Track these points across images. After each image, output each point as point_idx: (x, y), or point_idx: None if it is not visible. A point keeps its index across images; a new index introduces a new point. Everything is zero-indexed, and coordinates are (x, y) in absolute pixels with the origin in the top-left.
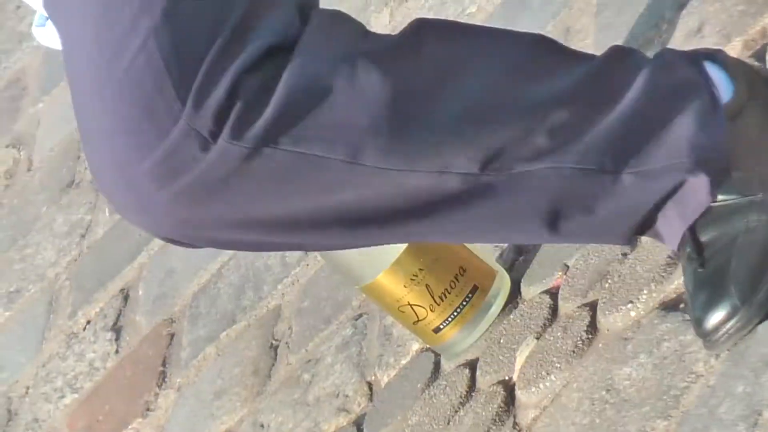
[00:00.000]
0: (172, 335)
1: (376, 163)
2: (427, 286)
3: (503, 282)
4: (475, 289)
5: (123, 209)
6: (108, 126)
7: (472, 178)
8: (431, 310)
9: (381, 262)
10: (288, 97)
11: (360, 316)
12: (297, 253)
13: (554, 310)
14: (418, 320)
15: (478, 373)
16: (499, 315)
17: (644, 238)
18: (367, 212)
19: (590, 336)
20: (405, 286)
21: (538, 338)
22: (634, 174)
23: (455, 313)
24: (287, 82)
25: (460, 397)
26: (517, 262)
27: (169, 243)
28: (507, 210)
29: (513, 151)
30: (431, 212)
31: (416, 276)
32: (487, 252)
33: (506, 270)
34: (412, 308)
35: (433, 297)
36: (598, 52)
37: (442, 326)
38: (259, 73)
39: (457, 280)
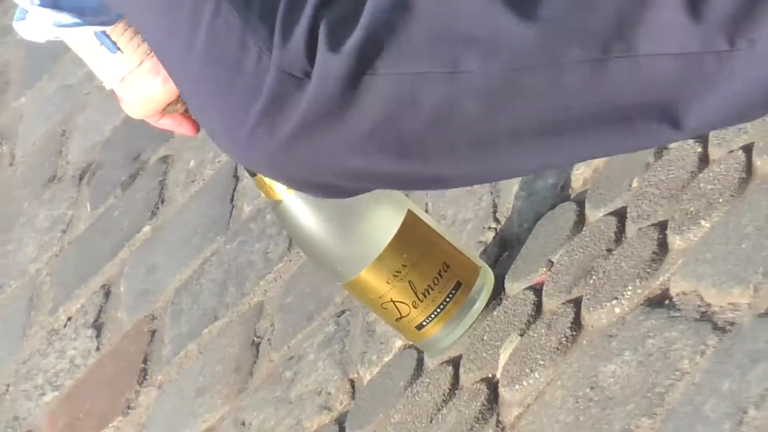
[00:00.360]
0: (154, 332)
1: (479, 67)
2: (410, 282)
3: (487, 278)
4: (458, 285)
5: (255, 168)
6: (206, 97)
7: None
8: (414, 307)
9: (364, 258)
10: (374, 20)
11: (343, 312)
12: (280, 249)
13: (538, 307)
14: (401, 317)
15: (461, 370)
16: (482, 311)
17: (629, 233)
18: (491, 129)
19: (574, 333)
20: (388, 283)
21: (521, 335)
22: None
23: (438, 310)
24: (369, 5)
25: (443, 394)
26: (501, 257)
27: (309, 192)
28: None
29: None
30: (562, 115)
31: (399, 272)
32: (471, 248)
33: (490, 266)
34: (395, 305)
35: (416, 293)
36: None
37: (425, 323)
38: (336, 4)
39: (440, 276)
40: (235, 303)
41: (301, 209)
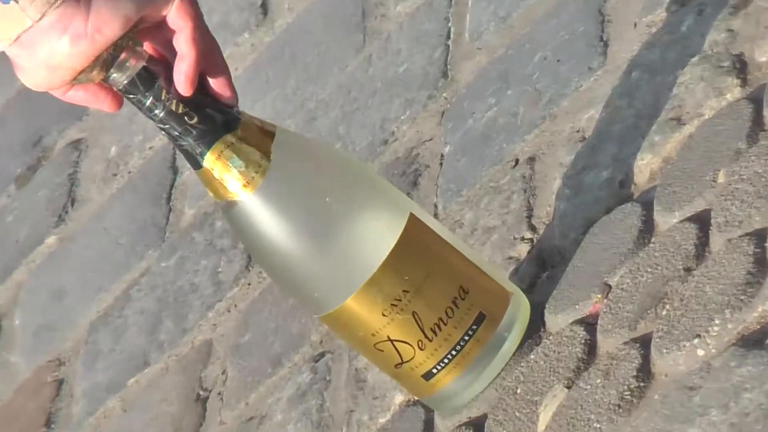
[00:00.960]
0: (61, 382)
1: None
2: (414, 314)
3: (520, 308)
4: (481, 318)
5: None
6: None
7: None
8: (420, 348)
9: (351, 281)
10: None
11: (322, 355)
12: (234, 270)
13: (591, 348)
14: (403, 362)
15: None
16: (514, 354)
17: (714, 245)
18: None
19: (642, 384)
20: (384, 315)
21: (569, 387)
22: None
23: (454, 352)
24: None
25: None
26: (540, 279)
27: None
28: None
29: None
30: None
31: (399, 300)
32: (498, 266)
33: (524, 291)
34: (394, 345)
35: (422, 329)
36: None
37: (435, 370)
38: None
39: (455, 305)
40: (173, 343)
41: (265, 213)
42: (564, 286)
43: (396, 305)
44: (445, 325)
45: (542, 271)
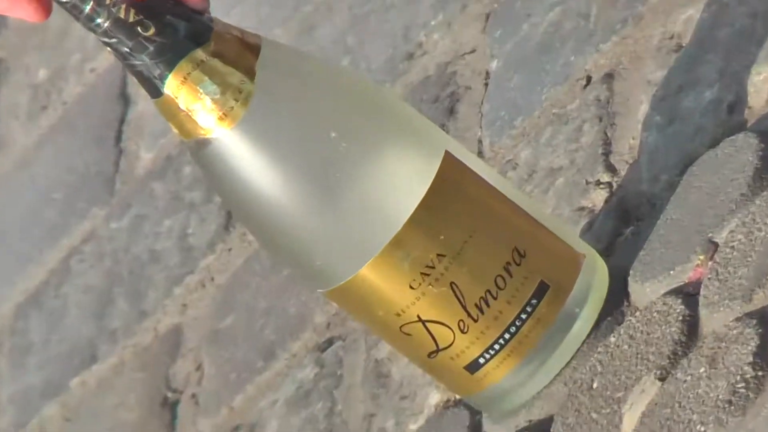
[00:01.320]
0: None
1: None
2: (452, 285)
3: (596, 275)
4: (543, 289)
5: None
6: None
7: None
8: (462, 331)
9: (365, 243)
10: None
11: (330, 343)
12: (208, 231)
13: (692, 326)
14: (439, 349)
15: None
16: (589, 337)
17: None
18: None
19: (760, 373)
20: (412, 287)
21: (662, 379)
22: None
23: (507, 336)
24: None
25: None
26: (622, 237)
27: None
28: None
29: None
30: None
31: (433, 267)
32: (565, 222)
33: (600, 253)
34: (427, 328)
35: (464, 306)
36: None
37: (483, 360)
38: None
39: (508, 273)
40: (128, 330)
41: (249, 154)
42: (654, 245)
43: (428, 274)
44: (495, 299)
45: (625, 226)
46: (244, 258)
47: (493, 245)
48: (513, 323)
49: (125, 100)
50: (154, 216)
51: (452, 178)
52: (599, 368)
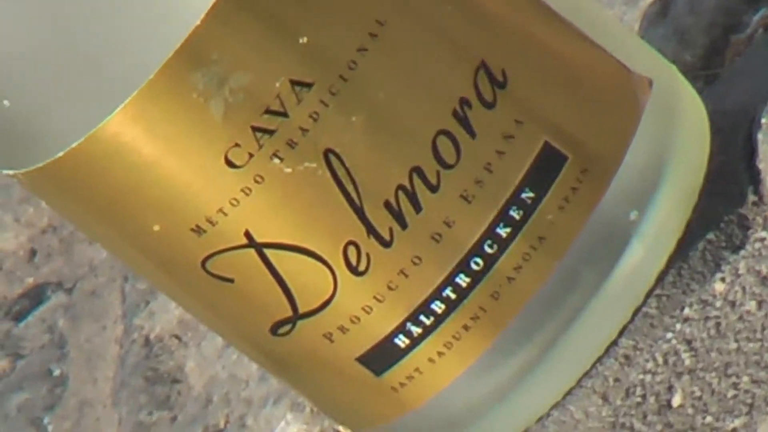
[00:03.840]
0: None
1: None
2: (331, 157)
3: (678, 123)
4: (553, 159)
5: None
6: None
7: None
8: (353, 271)
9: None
10: None
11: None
12: None
13: None
14: (298, 316)
15: None
16: (660, 282)
17: None
18: None
19: None
20: (230, 162)
21: None
22: None
23: (467, 280)
24: None
25: None
26: (734, 42)
27: None
28: None
29: None
30: None
31: (283, 113)
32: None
33: (691, 78)
34: (267, 262)
35: (360, 211)
36: None
37: (402, 339)
38: None
39: (467, 124)
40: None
41: None
42: None
43: (272, 131)
44: (434, 192)
45: (748, 6)
46: None
47: (434, 56)
48: (477, 252)
49: None
50: None
51: None
52: (689, 362)
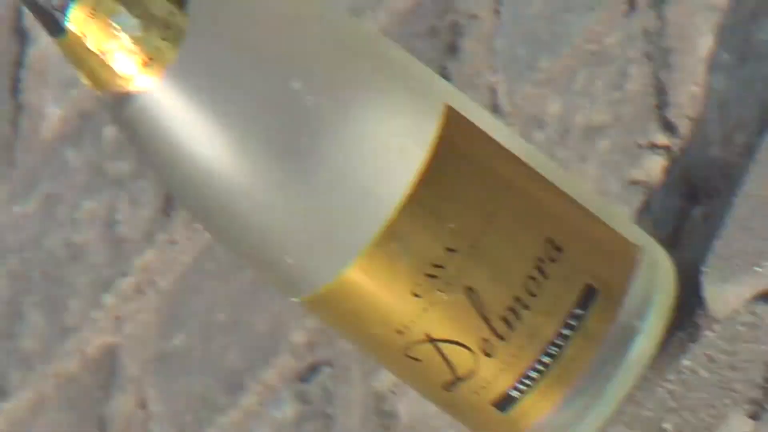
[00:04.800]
0: None
1: None
2: (469, 292)
3: (658, 273)
4: (590, 294)
5: None
6: None
7: None
8: (486, 354)
9: (347, 234)
10: None
11: (314, 370)
12: (142, 217)
13: None
14: (457, 379)
15: None
16: (654, 360)
17: None
18: None
19: None
20: (416, 294)
21: (754, 417)
22: None
23: (547, 359)
24: None
25: None
26: (689, 221)
27: None
28: None
29: None
30: None
31: (441, 267)
32: (613, 201)
33: (663, 243)
34: (439, 350)
35: (486, 319)
36: None
37: (515, 393)
38: None
39: (542, 272)
40: (47, 354)
41: (186, 114)
42: (733, 231)
43: (436, 276)
44: (527, 309)
45: (691, 205)
46: (194, 254)
47: (519, 235)
48: (553, 342)
49: (22, 36)
50: (69, 196)
51: (457, 143)
52: (671, 403)
